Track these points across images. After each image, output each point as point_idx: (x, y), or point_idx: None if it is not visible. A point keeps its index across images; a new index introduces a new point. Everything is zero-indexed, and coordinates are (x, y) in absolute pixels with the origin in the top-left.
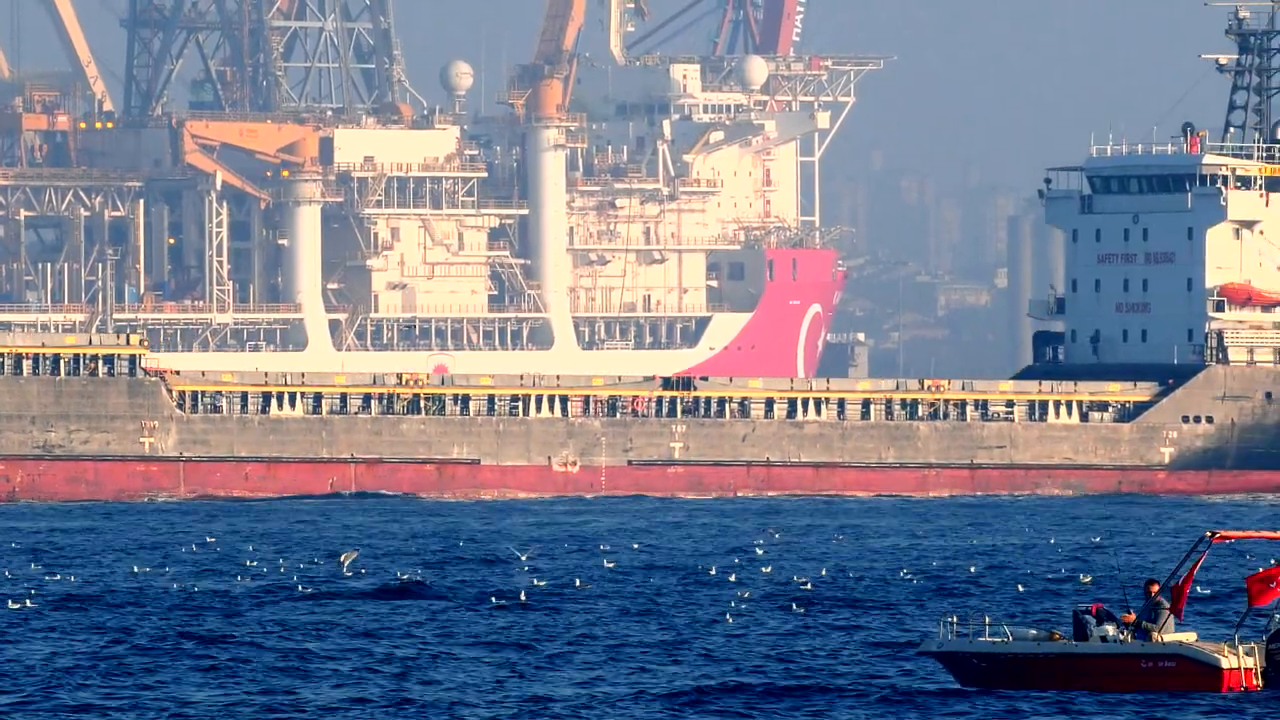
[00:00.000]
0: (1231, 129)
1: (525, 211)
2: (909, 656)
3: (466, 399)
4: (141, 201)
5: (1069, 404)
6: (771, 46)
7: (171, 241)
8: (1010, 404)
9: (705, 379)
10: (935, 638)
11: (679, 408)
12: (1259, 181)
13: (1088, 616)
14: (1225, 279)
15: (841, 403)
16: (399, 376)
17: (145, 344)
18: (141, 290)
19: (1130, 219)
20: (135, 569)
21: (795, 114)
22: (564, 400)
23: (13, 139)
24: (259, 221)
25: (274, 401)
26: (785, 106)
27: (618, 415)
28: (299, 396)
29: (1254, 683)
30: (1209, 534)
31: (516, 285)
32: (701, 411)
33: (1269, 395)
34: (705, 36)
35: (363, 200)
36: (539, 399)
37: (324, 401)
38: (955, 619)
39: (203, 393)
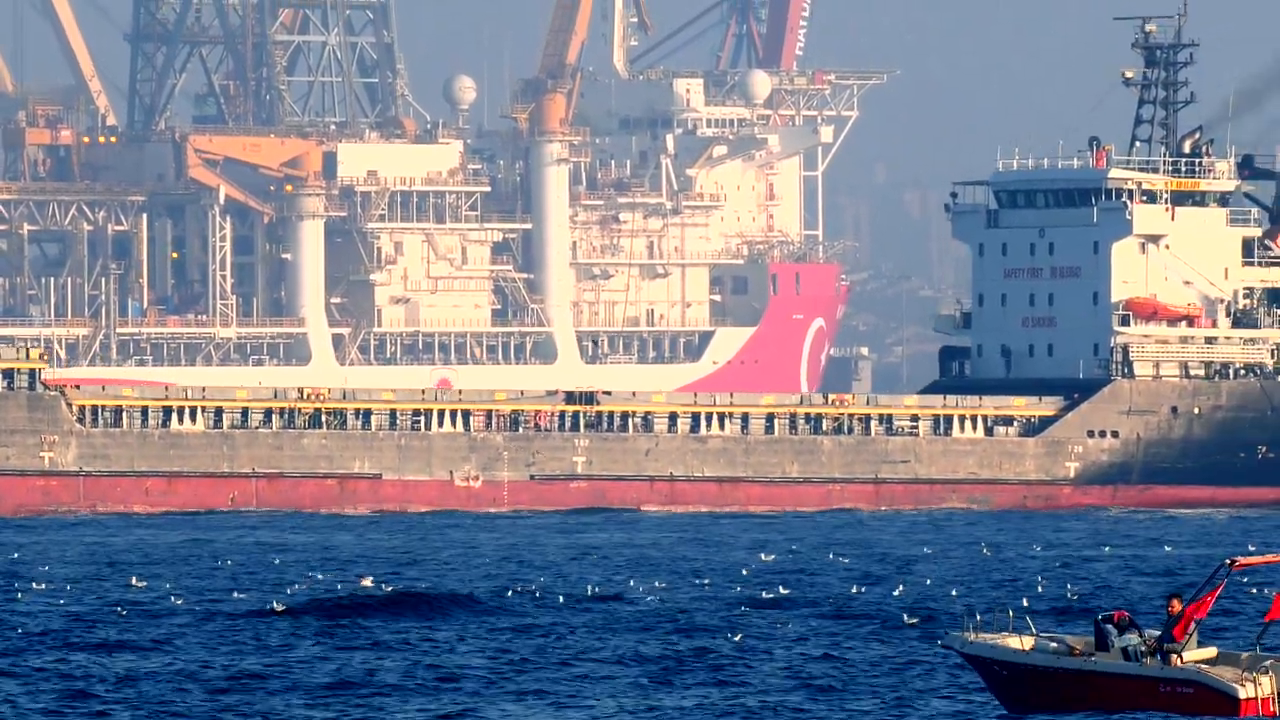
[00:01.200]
0: (1138, 143)
1: (528, 226)
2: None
3: (368, 413)
4: (145, 215)
5: (974, 418)
6: (774, 60)
7: (175, 255)
8: (915, 418)
9: (608, 393)
10: (960, 634)
11: (582, 422)
12: (1165, 196)
13: (1109, 626)
14: (1131, 293)
15: (745, 417)
16: (300, 390)
17: (44, 358)
18: (145, 304)
19: (1036, 233)
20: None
21: (798, 128)
22: (466, 415)
23: (16, 153)
24: (262, 235)
25: (174, 416)
26: (788, 120)
27: (520, 430)
28: (200, 411)
29: (1272, 710)
30: (1228, 561)
31: (520, 299)
32: (604, 426)
33: (1174, 410)
34: (708, 50)
35: (366, 214)
36: (441, 413)
37: (225, 416)
38: (980, 617)
39: (102, 407)
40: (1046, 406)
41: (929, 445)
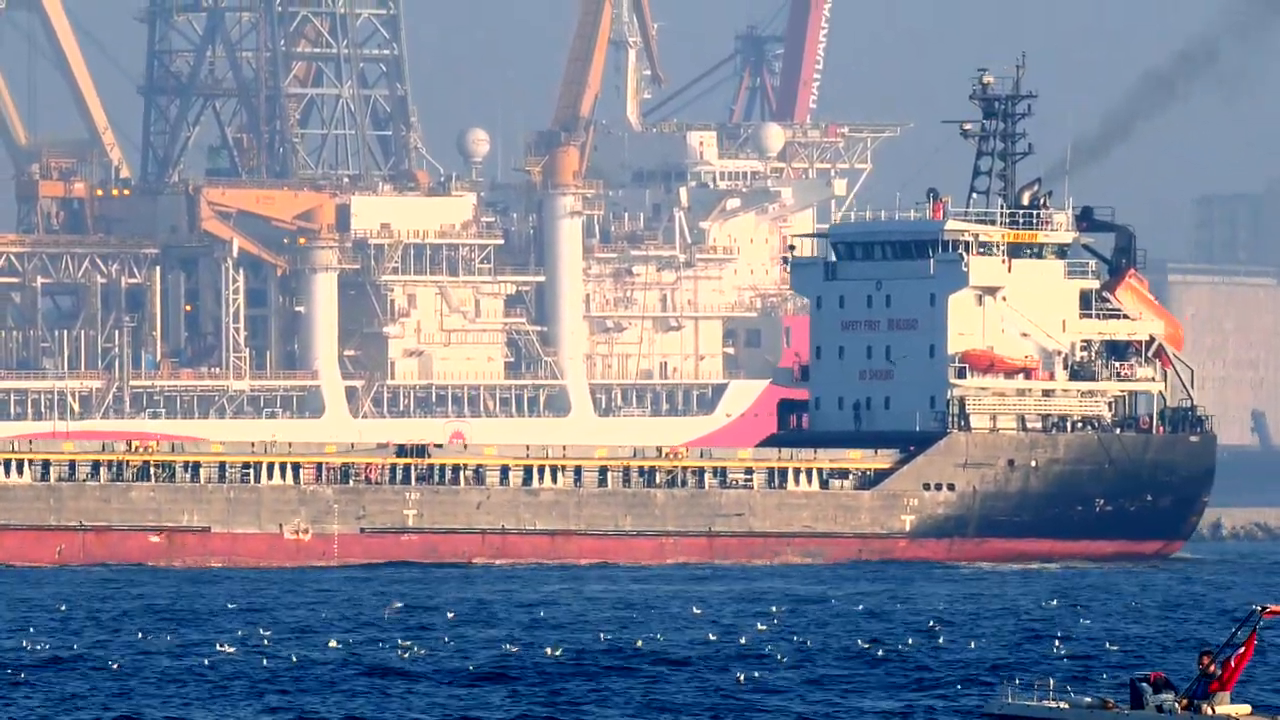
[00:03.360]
0: (975, 194)
1: (542, 278)
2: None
3: (197, 466)
4: (158, 268)
5: (809, 471)
6: (788, 114)
7: (188, 308)
8: (749, 471)
9: (440, 445)
10: (999, 699)
11: (413, 474)
12: (1001, 248)
13: (1144, 685)
14: (967, 345)
15: (578, 470)
16: (129, 444)
17: None
18: (158, 357)
19: (873, 285)
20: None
21: (812, 181)
22: (296, 467)
23: (29, 206)
24: (275, 288)
25: (0, 468)
26: (802, 173)
27: (350, 482)
28: (26, 463)
29: None
30: (1259, 608)
31: (533, 352)
32: (436, 478)
33: (1011, 463)
34: (722, 104)
35: (379, 267)
36: (270, 466)
37: (52, 468)
38: (1018, 680)
39: None
40: (882, 459)
41: (763, 498)
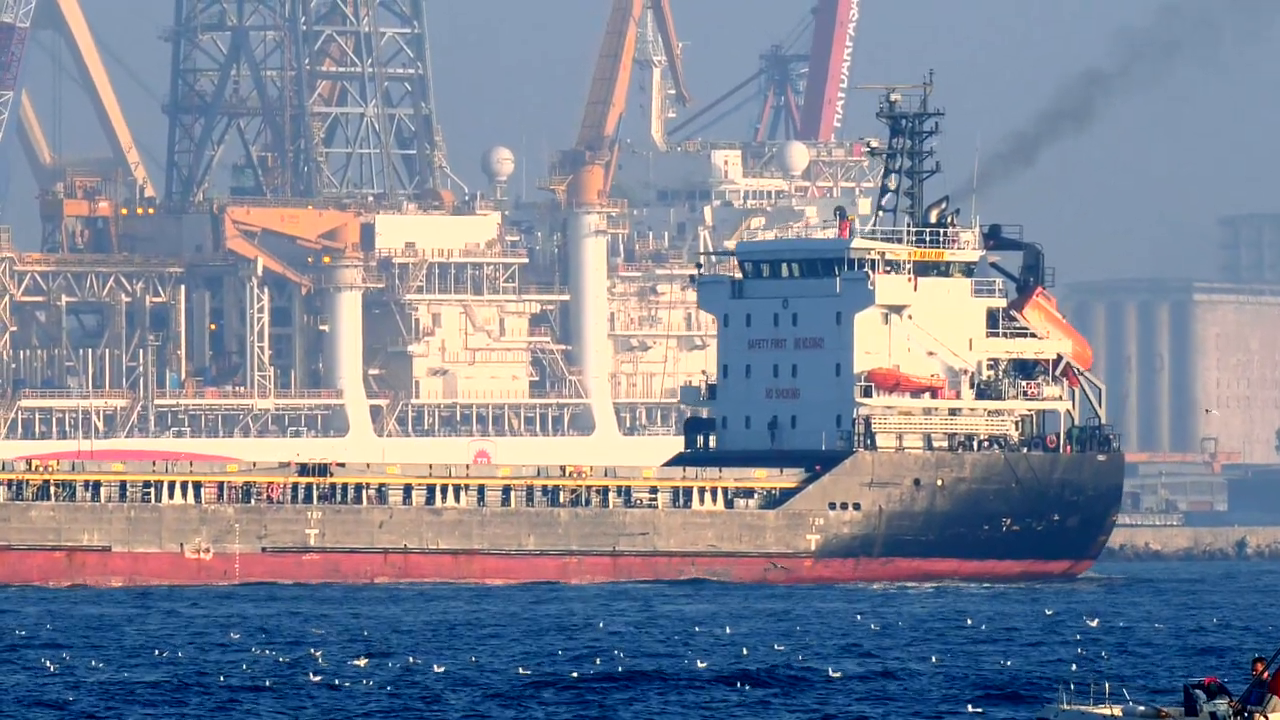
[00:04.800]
0: (881, 212)
1: (566, 297)
2: None
3: (97, 485)
4: (183, 287)
5: (714, 491)
6: (812, 132)
7: (213, 327)
8: (654, 490)
9: (342, 465)
10: (1054, 705)
11: (315, 494)
12: (908, 266)
13: (1198, 691)
14: (874, 364)
15: (481, 489)
16: (28, 462)
17: None
18: (183, 376)
19: (780, 303)
20: None
21: (836, 199)
22: (197, 486)
23: (54, 225)
24: (300, 307)
25: None
26: (826, 192)
27: (252, 501)
28: None
29: None
30: None
31: (558, 371)
32: (338, 498)
33: (917, 482)
34: (746, 123)
35: (404, 286)
36: (171, 485)
37: None
38: (1073, 686)
39: None
40: (788, 478)
41: (668, 518)
